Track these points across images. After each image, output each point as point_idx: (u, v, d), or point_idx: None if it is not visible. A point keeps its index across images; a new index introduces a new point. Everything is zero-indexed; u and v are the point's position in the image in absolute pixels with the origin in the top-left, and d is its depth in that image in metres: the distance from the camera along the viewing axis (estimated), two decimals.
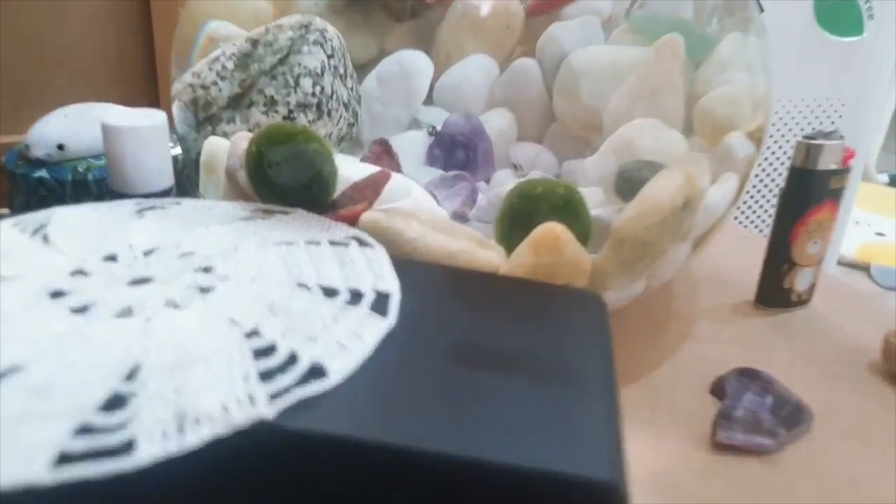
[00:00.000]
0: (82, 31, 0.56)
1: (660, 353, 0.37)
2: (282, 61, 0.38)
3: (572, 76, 0.41)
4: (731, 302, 0.42)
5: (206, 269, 0.24)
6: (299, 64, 0.38)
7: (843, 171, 0.38)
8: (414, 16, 0.47)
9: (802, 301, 0.41)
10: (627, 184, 0.33)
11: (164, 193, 0.32)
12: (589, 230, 0.31)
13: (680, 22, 0.43)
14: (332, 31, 0.40)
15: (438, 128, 0.44)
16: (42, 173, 0.38)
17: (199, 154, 0.38)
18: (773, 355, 0.37)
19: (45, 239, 0.25)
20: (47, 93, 0.57)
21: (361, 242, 0.26)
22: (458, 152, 0.44)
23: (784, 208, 0.39)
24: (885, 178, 1.91)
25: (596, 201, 0.36)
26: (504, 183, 0.43)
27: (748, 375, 0.34)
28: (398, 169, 0.39)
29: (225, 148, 0.37)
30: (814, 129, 0.80)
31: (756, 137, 0.38)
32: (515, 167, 0.44)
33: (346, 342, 0.20)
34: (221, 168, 0.37)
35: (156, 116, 0.31)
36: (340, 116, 0.41)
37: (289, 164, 0.31)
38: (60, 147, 0.39)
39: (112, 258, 0.24)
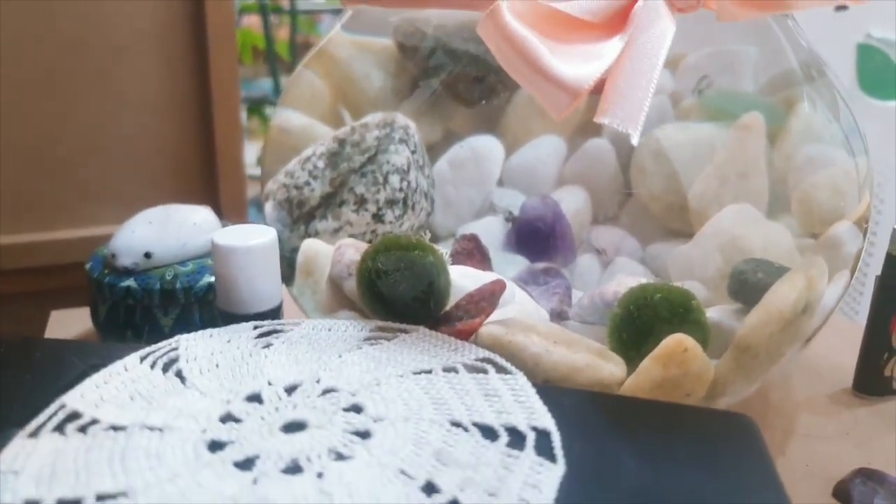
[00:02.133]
0: (142, 124, 0.57)
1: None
2: (370, 160, 0.39)
3: (652, 155, 0.41)
4: (828, 391, 0.41)
5: (357, 409, 0.23)
6: (388, 162, 0.38)
7: None
8: (482, 100, 0.48)
9: None
10: (743, 287, 0.33)
11: (275, 311, 0.31)
12: (708, 337, 0.31)
13: (751, 97, 0.43)
14: (412, 126, 0.41)
15: (515, 212, 0.43)
16: (130, 283, 0.38)
17: (291, 252, 0.38)
18: (886, 449, 0.36)
19: (181, 377, 0.25)
20: (109, 185, 0.58)
21: (499, 368, 0.26)
22: (538, 238, 0.43)
23: (881, 296, 0.38)
24: None
25: (700, 298, 0.35)
26: (589, 270, 0.42)
27: (873, 479, 0.32)
28: (489, 265, 0.39)
29: (323, 251, 0.36)
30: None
31: (863, 221, 0.37)
32: (598, 252, 0.44)
33: (526, 496, 0.19)
34: (320, 272, 0.37)
35: (267, 233, 0.31)
36: (422, 208, 0.41)
37: (403, 277, 0.31)
38: (147, 255, 0.39)
39: (256, 398, 0.23)
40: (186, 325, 0.39)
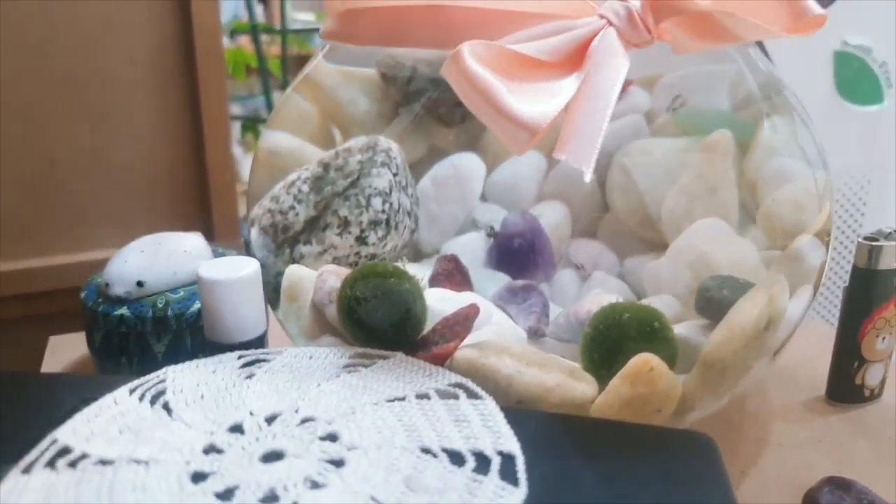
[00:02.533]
0: (136, 151, 0.58)
1: (742, 461, 0.37)
2: (353, 184, 0.40)
3: (625, 171, 0.42)
4: (802, 399, 0.42)
5: (332, 438, 0.24)
6: (370, 185, 0.40)
7: None
8: (463, 121, 0.49)
9: (875, 396, 0.41)
10: (709, 303, 0.34)
11: (259, 340, 0.33)
12: (676, 353, 0.32)
13: (722, 114, 0.44)
14: (395, 148, 0.42)
15: (497, 227, 0.44)
16: (123, 311, 0.39)
17: (276, 276, 0.39)
18: (855, 457, 0.37)
19: (168, 409, 0.26)
20: (105, 210, 0.59)
21: (470, 393, 0.27)
22: (519, 253, 0.44)
23: (850, 308, 0.40)
24: None
25: (672, 313, 0.37)
26: (569, 285, 0.43)
27: (841, 487, 0.34)
28: (470, 286, 0.40)
29: (306, 276, 0.38)
30: (847, 198, 0.81)
31: (824, 234, 0.39)
32: (577, 267, 0.45)
33: None
34: (304, 297, 0.38)
35: (249, 265, 0.32)
36: (405, 227, 0.42)
37: (381, 304, 0.32)
38: (140, 284, 0.40)
39: (238, 428, 0.25)
40: (178, 350, 0.40)
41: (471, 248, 0.44)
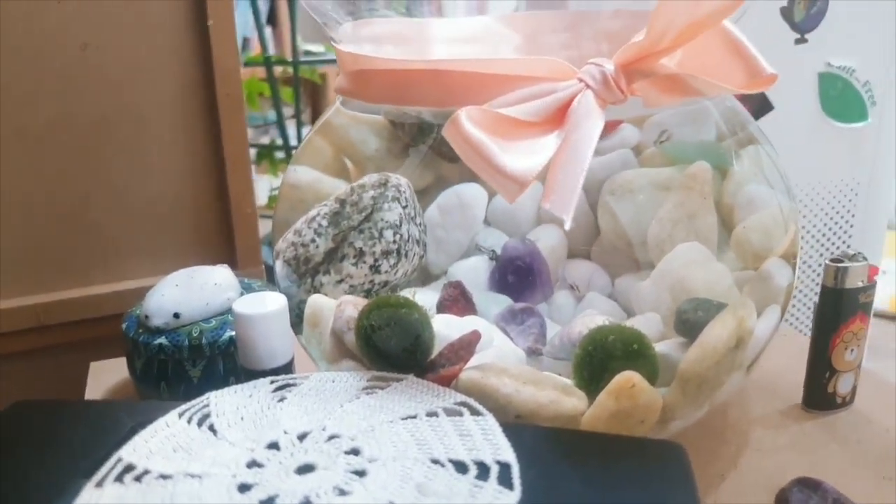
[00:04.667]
0: (164, 187, 0.63)
1: (722, 466, 0.41)
2: (367, 218, 0.44)
3: (614, 198, 0.46)
4: (780, 406, 0.46)
5: (356, 452, 0.28)
6: (382, 219, 0.44)
7: (870, 287, 0.42)
8: None
9: (846, 403, 0.45)
10: (685, 324, 0.38)
11: (288, 366, 0.37)
12: (657, 369, 0.36)
13: (703, 145, 0.49)
14: (404, 183, 0.46)
15: (498, 251, 0.48)
16: (161, 340, 0.44)
17: (299, 304, 0.44)
18: (827, 460, 0.41)
19: (213, 429, 0.30)
20: (137, 243, 0.64)
21: (473, 411, 0.31)
22: (518, 276, 0.48)
23: (820, 323, 0.43)
24: None
25: (655, 330, 0.41)
26: (565, 305, 0.47)
27: (809, 486, 0.37)
28: (473, 310, 0.44)
29: (327, 305, 0.42)
30: (836, 212, 0.85)
31: (790, 256, 0.43)
32: (572, 288, 0.49)
33: None
34: (324, 323, 0.42)
35: (278, 300, 0.37)
36: (415, 254, 0.47)
37: (394, 332, 0.36)
38: (176, 315, 0.44)
39: (275, 445, 0.29)
40: (212, 374, 0.44)
41: (475, 271, 0.49)
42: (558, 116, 0.32)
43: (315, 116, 2.45)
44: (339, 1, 0.44)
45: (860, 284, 0.42)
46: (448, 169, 0.54)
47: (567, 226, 0.29)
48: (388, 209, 0.44)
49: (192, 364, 0.44)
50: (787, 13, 0.76)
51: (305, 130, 1.12)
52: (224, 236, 0.65)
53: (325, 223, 0.44)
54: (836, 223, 0.85)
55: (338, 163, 0.51)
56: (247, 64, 1.10)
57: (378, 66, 0.38)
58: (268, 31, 2.32)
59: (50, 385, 0.62)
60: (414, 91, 0.37)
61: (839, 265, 0.42)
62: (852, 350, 0.44)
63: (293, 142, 1.05)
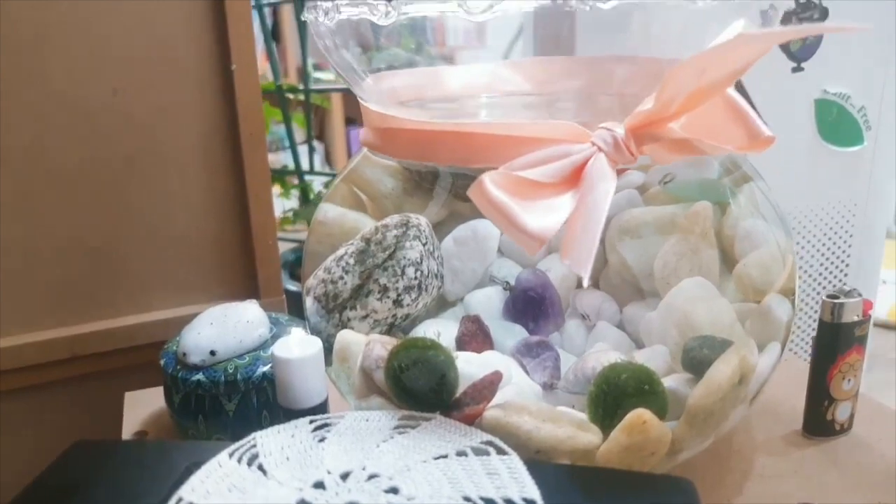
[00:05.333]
0: (189, 222, 0.66)
1: (728, 492, 0.44)
2: (391, 256, 0.46)
3: (621, 234, 0.49)
4: (782, 432, 0.49)
5: (395, 490, 0.31)
6: (404, 257, 0.46)
7: (864, 322, 0.45)
8: None
9: (845, 429, 0.48)
10: (692, 361, 0.41)
11: (323, 405, 0.40)
12: (666, 405, 0.39)
13: (703, 184, 0.51)
14: (424, 222, 0.48)
15: (512, 282, 0.51)
16: (199, 377, 0.47)
17: (327, 338, 0.46)
18: (827, 486, 0.44)
19: (262, 469, 0.33)
20: (164, 276, 0.67)
21: (498, 450, 0.34)
22: (532, 306, 0.51)
23: (818, 355, 0.46)
24: None
25: (662, 362, 0.43)
26: (577, 334, 0.50)
27: None
28: (491, 344, 0.47)
29: (355, 341, 0.45)
30: (835, 231, 0.87)
31: (789, 291, 0.45)
32: (583, 317, 0.52)
33: None
34: (353, 359, 0.45)
35: (314, 344, 0.39)
36: (434, 286, 0.49)
37: (421, 372, 0.39)
38: (212, 353, 0.47)
39: (320, 485, 0.32)
40: (247, 408, 0.47)
41: (489, 300, 0.51)
42: (574, 178, 0.35)
43: (321, 134, 2.49)
44: (353, 50, 0.47)
45: (855, 319, 0.45)
46: (462, 206, 0.57)
47: (585, 283, 0.32)
48: (410, 247, 0.47)
49: (228, 399, 0.47)
50: (784, 43, 0.79)
51: (316, 156, 1.15)
52: (247, 267, 0.68)
53: (352, 261, 0.47)
54: (834, 242, 0.88)
55: (358, 199, 0.54)
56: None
57: (404, 125, 0.41)
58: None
59: (85, 412, 0.65)
60: (438, 150, 0.40)
61: (836, 301, 0.45)
62: (849, 380, 0.46)
63: (304, 165, 1.09)
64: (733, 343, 0.41)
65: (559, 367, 0.46)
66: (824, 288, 0.90)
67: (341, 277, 0.47)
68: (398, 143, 0.42)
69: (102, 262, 0.64)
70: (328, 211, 0.53)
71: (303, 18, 0.43)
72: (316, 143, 2.24)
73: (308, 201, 1.05)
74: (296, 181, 1.12)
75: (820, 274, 0.89)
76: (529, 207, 0.34)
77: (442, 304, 0.51)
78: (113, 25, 0.59)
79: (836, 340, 0.45)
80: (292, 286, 0.99)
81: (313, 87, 1.06)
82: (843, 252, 0.89)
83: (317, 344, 0.40)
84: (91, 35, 0.59)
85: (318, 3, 0.41)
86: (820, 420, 0.47)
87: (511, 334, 0.48)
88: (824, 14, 0.78)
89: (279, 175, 1.07)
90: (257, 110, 0.64)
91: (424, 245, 0.48)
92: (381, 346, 0.43)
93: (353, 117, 2.64)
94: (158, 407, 0.55)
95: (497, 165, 0.36)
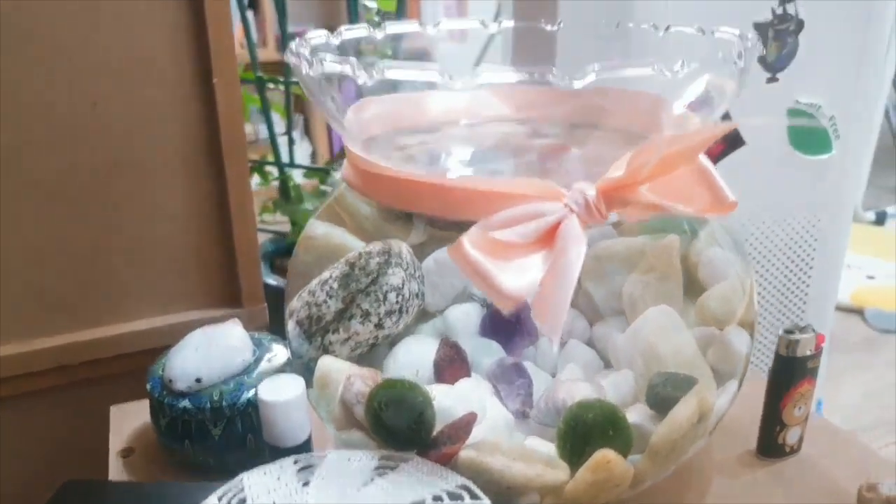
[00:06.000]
0: (169, 229, 0.67)
1: None
2: (373, 281, 0.48)
3: (593, 258, 0.51)
4: (737, 452, 0.52)
5: None
6: (387, 283, 0.47)
7: (817, 355, 0.48)
8: (460, 231, 0.57)
9: (794, 451, 0.51)
10: (656, 398, 0.43)
11: (307, 442, 0.42)
12: (631, 443, 0.41)
13: (672, 220, 0.53)
14: (405, 249, 0.50)
15: (488, 300, 0.53)
16: (185, 403, 0.48)
17: (308, 361, 0.48)
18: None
19: None
20: (143, 282, 0.68)
21: (472, 495, 0.36)
22: (507, 322, 0.53)
23: (773, 385, 0.49)
24: (871, 215, 2.02)
25: (628, 387, 0.46)
26: (548, 352, 0.52)
27: None
28: (468, 370, 0.49)
29: (336, 368, 0.46)
30: (804, 232, 0.91)
31: (748, 323, 0.48)
32: None
33: None
34: (333, 386, 0.47)
35: (299, 386, 0.41)
36: (415, 306, 0.51)
37: (400, 411, 0.41)
38: (198, 380, 0.49)
39: None
40: (232, 433, 0.49)
41: (468, 317, 0.53)
42: (547, 238, 0.36)
43: (307, 126, 2.45)
44: (335, 100, 0.47)
45: (808, 353, 0.48)
46: (441, 233, 0.58)
47: (555, 346, 0.34)
48: (392, 274, 0.49)
49: (214, 424, 0.49)
50: (760, 54, 0.80)
51: (296, 147, 1.15)
52: (228, 276, 0.69)
53: (335, 286, 0.48)
54: (800, 245, 0.91)
55: (341, 220, 0.55)
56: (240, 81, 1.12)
57: (384, 172, 0.42)
58: (249, 15, 2.32)
59: (73, 420, 0.67)
60: (417, 199, 0.41)
61: (791, 337, 0.48)
62: (800, 407, 0.49)
63: (284, 157, 1.09)
64: (695, 381, 0.43)
65: (531, 394, 0.48)
66: (790, 290, 0.93)
67: (325, 301, 0.48)
68: (378, 188, 0.43)
69: (85, 271, 0.65)
70: (316, 227, 0.54)
71: (285, 59, 0.43)
72: (296, 116, 2.22)
73: (288, 195, 1.05)
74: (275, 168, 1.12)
75: (785, 276, 0.93)
76: (505, 267, 0.36)
77: (422, 315, 0.53)
78: (92, 35, 0.59)
79: (790, 373, 0.48)
80: (272, 280, 1.00)
81: (294, 80, 1.06)
82: (808, 256, 0.92)
83: (300, 386, 0.42)
84: (69, 46, 0.59)
85: (301, 50, 0.41)
86: (772, 443, 0.50)
87: (488, 352, 0.50)
88: (800, 26, 0.80)
89: (259, 166, 1.07)
90: (238, 124, 0.64)
91: (406, 270, 0.50)
92: (361, 381, 0.44)
93: None
94: (143, 422, 0.56)
95: (475, 218, 0.37)
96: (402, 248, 0.50)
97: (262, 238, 1.07)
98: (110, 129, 0.62)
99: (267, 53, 2.27)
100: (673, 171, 0.35)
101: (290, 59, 0.43)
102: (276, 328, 0.61)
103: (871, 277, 1.72)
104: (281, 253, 1.09)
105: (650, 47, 0.54)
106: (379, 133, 0.53)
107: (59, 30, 0.58)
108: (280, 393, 0.40)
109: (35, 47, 0.58)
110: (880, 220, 2.02)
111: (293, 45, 0.44)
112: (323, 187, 1.06)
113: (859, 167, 0.88)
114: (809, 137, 0.85)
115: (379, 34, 0.53)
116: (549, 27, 0.56)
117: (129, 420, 0.57)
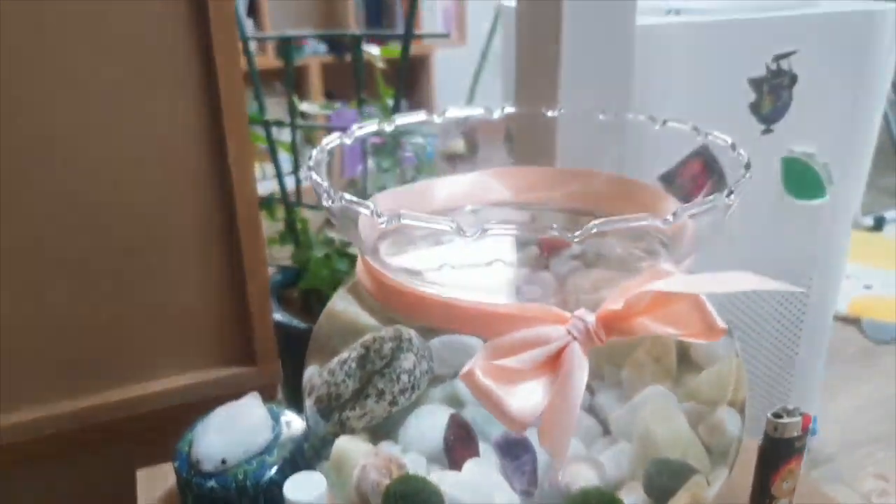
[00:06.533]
0: (188, 298, 0.70)
1: None
2: (388, 364, 0.51)
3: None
4: None
5: None
6: (399, 366, 0.51)
7: (803, 436, 0.51)
8: None
9: None
10: (654, 487, 0.47)
11: None
12: None
13: None
14: (414, 335, 0.53)
15: None
16: (212, 483, 0.52)
17: (324, 436, 0.51)
18: None
19: None
20: (162, 347, 0.71)
21: None
22: None
23: (763, 462, 0.52)
24: (869, 220, 2.04)
25: (626, 462, 0.49)
26: None
27: None
28: (476, 450, 0.52)
29: (352, 451, 0.49)
30: (796, 279, 0.94)
31: (738, 403, 0.51)
32: None
33: None
34: (347, 468, 0.50)
35: (320, 484, 0.45)
36: (426, 380, 0.54)
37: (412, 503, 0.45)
38: (223, 461, 0.52)
39: None
40: None
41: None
42: (551, 363, 0.40)
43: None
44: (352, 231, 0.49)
45: (795, 434, 0.51)
46: None
47: (559, 466, 0.37)
48: (404, 358, 0.52)
49: (239, 502, 0.52)
50: (755, 107, 0.82)
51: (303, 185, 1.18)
52: (243, 339, 0.72)
53: (354, 366, 0.51)
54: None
55: (361, 296, 0.58)
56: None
57: (397, 287, 0.45)
58: (248, 22, 2.33)
59: (96, 480, 0.70)
60: (429, 313, 0.44)
61: (778, 421, 0.51)
62: (788, 482, 0.53)
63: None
64: (691, 470, 0.47)
65: (536, 471, 0.52)
66: (786, 328, 0.97)
67: (343, 381, 0.51)
68: (389, 298, 0.46)
69: (108, 339, 0.68)
70: (337, 303, 0.57)
71: (307, 182, 0.46)
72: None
73: (295, 232, 1.08)
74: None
75: (779, 311, 0.96)
76: (512, 392, 0.39)
77: (433, 380, 0.56)
78: (114, 126, 0.62)
79: (778, 453, 0.52)
80: (280, 316, 1.03)
81: (301, 123, 1.08)
82: (802, 303, 0.95)
83: (322, 483, 0.45)
84: (93, 138, 0.61)
85: (323, 184, 0.44)
86: None
87: (497, 424, 0.54)
88: (793, 80, 0.82)
89: (267, 203, 1.09)
90: (253, 199, 0.67)
91: (416, 354, 0.53)
92: (376, 471, 0.48)
93: (332, 91, 2.62)
94: (169, 487, 0.60)
95: (481, 336, 0.41)
96: (412, 333, 0.53)
97: (270, 271, 1.10)
98: (131, 210, 0.65)
99: (266, 61, 2.29)
100: (670, 306, 0.38)
101: (313, 177, 0.45)
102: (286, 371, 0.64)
103: (868, 287, 1.74)
104: (288, 284, 1.12)
105: (648, 139, 0.56)
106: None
107: (80, 125, 0.61)
108: (304, 492, 0.44)
109: (59, 147, 0.61)
110: (878, 225, 2.03)
111: (311, 158, 0.47)
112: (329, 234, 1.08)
113: (847, 213, 0.91)
114: (803, 183, 0.88)
115: (388, 127, 0.55)
116: (549, 113, 0.58)
117: (155, 485, 0.61)
